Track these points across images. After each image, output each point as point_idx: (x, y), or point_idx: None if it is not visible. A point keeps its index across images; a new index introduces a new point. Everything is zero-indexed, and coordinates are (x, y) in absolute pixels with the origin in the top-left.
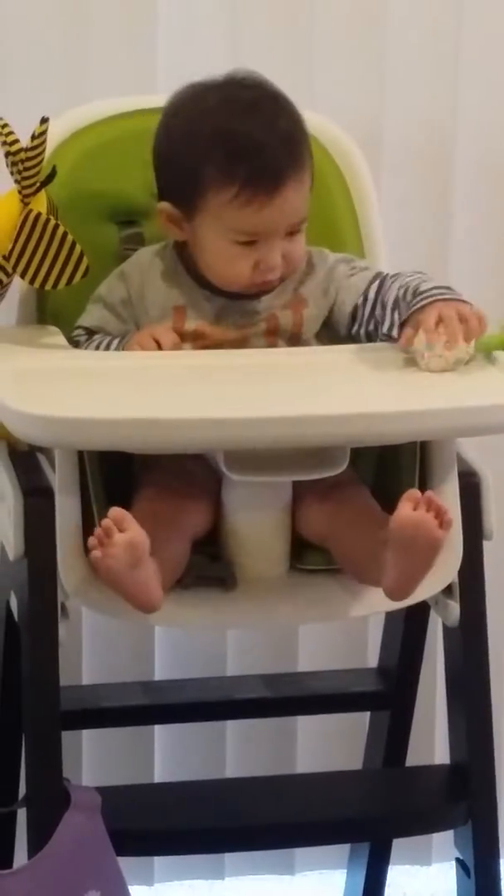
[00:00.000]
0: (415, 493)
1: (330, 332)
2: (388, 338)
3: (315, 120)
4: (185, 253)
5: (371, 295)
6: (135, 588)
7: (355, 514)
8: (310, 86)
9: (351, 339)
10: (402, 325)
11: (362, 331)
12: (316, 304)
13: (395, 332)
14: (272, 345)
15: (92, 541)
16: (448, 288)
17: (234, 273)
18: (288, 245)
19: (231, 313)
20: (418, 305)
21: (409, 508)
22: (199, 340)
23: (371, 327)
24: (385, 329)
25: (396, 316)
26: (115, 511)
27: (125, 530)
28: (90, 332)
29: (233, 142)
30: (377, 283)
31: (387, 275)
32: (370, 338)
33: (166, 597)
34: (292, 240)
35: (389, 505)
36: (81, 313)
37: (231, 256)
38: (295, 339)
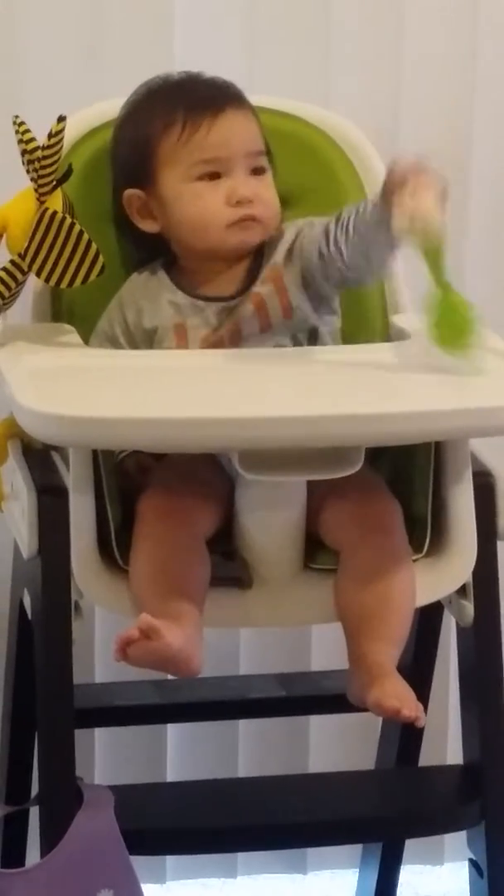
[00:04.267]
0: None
1: (313, 288)
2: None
3: (327, 115)
4: (174, 268)
5: (330, 225)
6: (174, 669)
7: (369, 537)
8: (325, 81)
9: (336, 285)
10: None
11: (337, 266)
12: (288, 270)
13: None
14: (265, 319)
15: (117, 639)
16: None
17: (209, 215)
18: (256, 184)
19: (227, 317)
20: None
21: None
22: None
23: (345, 255)
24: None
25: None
26: (147, 621)
27: (152, 639)
28: None
29: (168, 93)
30: (334, 216)
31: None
32: (348, 266)
33: None
34: (259, 179)
35: (402, 505)
36: (96, 311)
37: (198, 197)
38: (289, 316)
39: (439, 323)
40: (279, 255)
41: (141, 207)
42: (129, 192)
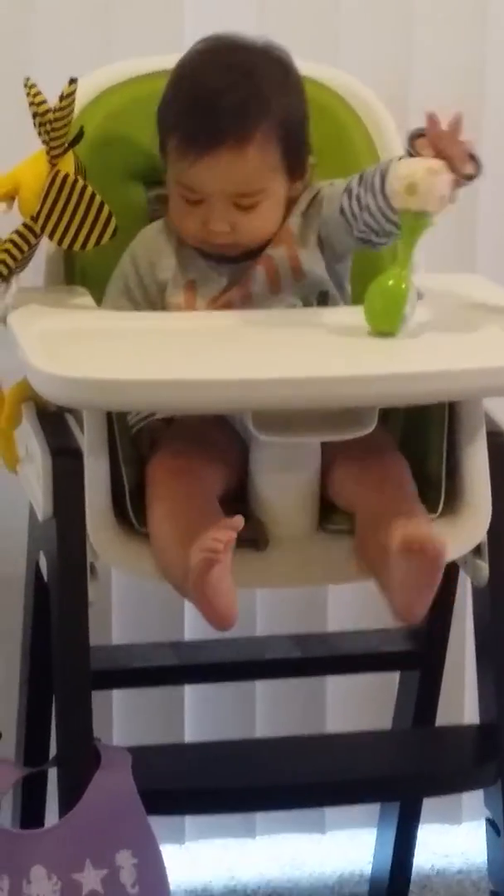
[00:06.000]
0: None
1: (335, 258)
2: (384, 193)
3: (339, 76)
4: None
5: (353, 183)
6: (216, 598)
7: (380, 496)
8: (336, 44)
9: (361, 243)
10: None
11: (361, 224)
12: (301, 233)
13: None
14: (275, 282)
15: (213, 544)
16: None
17: (184, 227)
18: (238, 216)
19: (239, 278)
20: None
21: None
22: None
23: (367, 214)
24: (383, 179)
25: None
26: (229, 521)
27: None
28: None
29: (186, 95)
30: (356, 176)
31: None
32: (371, 228)
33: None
34: (246, 213)
35: (416, 466)
36: (109, 274)
37: (180, 210)
38: (300, 278)
39: (375, 298)
40: (293, 218)
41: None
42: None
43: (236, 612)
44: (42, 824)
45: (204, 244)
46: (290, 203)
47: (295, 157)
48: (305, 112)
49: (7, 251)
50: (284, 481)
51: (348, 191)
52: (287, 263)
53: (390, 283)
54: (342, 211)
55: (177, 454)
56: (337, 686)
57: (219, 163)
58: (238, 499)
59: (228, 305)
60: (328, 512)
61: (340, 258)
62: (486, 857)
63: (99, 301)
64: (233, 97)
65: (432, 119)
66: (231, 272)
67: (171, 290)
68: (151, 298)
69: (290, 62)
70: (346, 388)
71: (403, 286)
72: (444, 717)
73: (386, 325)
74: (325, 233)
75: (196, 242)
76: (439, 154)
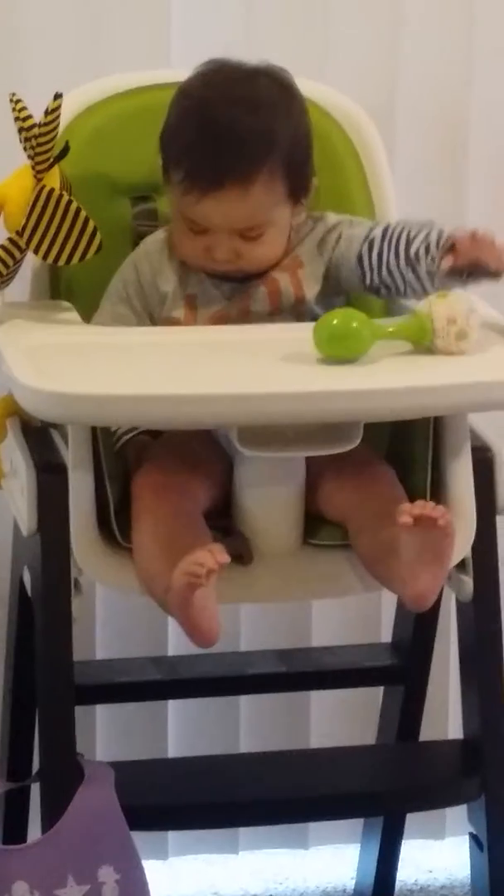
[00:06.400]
0: (406, 505)
1: (336, 293)
2: (411, 264)
3: (325, 90)
4: None
5: (376, 234)
6: (199, 617)
7: (375, 503)
8: (323, 56)
9: (368, 291)
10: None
11: (375, 277)
12: (310, 263)
13: (426, 254)
14: (276, 304)
15: (196, 568)
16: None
17: (186, 253)
18: (243, 245)
19: (240, 295)
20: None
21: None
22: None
23: (384, 270)
24: (413, 252)
25: (421, 241)
26: (217, 547)
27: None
28: None
29: (192, 130)
30: (380, 227)
31: (387, 223)
32: (384, 283)
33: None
34: (250, 242)
35: (401, 481)
36: (95, 289)
37: (183, 237)
38: (300, 305)
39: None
40: (305, 247)
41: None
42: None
43: (218, 629)
44: (25, 840)
45: (205, 268)
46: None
47: (299, 185)
48: (309, 136)
49: None
50: (269, 496)
51: (369, 241)
52: (291, 290)
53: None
54: (359, 259)
55: (164, 469)
56: (321, 701)
57: (223, 201)
58: (223, 514)
59: (226, 321)
60: (313, 527)
61: (341, 294)
62: (469, 873)
63: (85, 315)
64: (237, 136)
65: (464, 232)
66: (232, 289)
67: (171, 303)
68: (151, 308)
69: (292, 87)
70: (329, 402)
71: (354, 325)
72: (427, 732)
73: (331, 351)
74: (336, 272)
75: (197, 266)
76: (477, 261)
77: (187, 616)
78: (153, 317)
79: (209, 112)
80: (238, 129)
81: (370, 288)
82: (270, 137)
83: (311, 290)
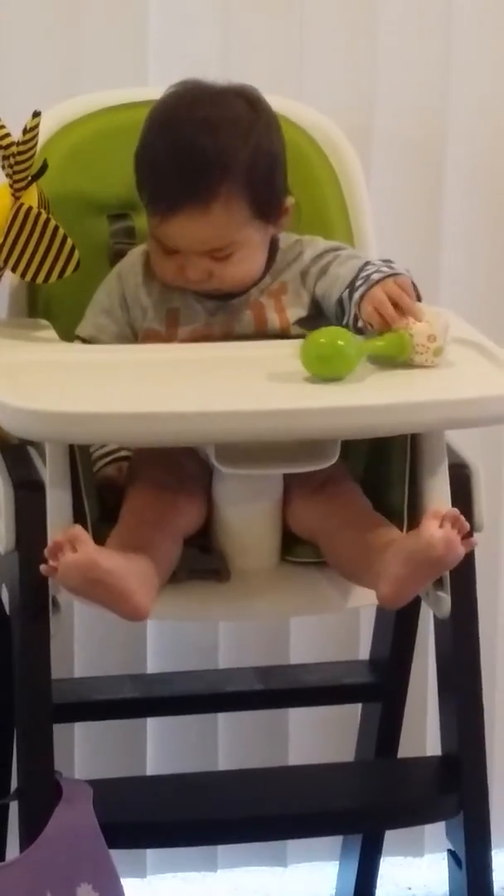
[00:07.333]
0: (440, 510)
1: (322, 317)
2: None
3: (302, 110)
4: None
5: (360, 283)
6: (110, 600)
7: (347, 513)
8: (300, 76)
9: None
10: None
11: (351, 320)
12: (294, 291)
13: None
14: (261, 327)
15: (45, 554)
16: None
17: (161, 271)
18: (214, 265)
19: (222, 314)
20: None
21: (435, 526)
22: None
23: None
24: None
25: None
26: (72, 530)
27: (77, 551)
28: (85, 343)
29: (156, 151)
30: (362, 276)
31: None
32: (359, 327)
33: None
34: (221, 262)
35: (379, 498)
36: (72, 307)
37: (158, 256)
38: (285, 332)
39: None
40: (291, 274)
41: None
42: None
43: (140, 600)
44: (3, 858)
45: (183, 287)
46: (275, 241)
47: (266, 204)
48: (277, 155)
49: None
50: (247, 513)
51: (351, 287)
52: (276, 317)
53: (322, 340)
54: (339, 302)
55: (149, 494)
56: (299, 718)
57: (185, 224)
58: (202, 532)
59: (208, 339)
60: (289, 544)
61: (323, 319)
62: (447, 889)
63: (63, 333)
64: (195, 158)
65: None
66: (216, 307)
67: (153, 316)
68: (132, 319)
69: (260, 106)
70: (306, 420)
71: (341, 343)
72: (406, 749)
73: (320, 371)
74: (320, 302)
75: (175, 285)
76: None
77: (97, 594)
78: (134, 328)
79: (170, 134)
80: (195, 151)
81: (349, 327)
82: (227, 159)
83: (295, 317)
